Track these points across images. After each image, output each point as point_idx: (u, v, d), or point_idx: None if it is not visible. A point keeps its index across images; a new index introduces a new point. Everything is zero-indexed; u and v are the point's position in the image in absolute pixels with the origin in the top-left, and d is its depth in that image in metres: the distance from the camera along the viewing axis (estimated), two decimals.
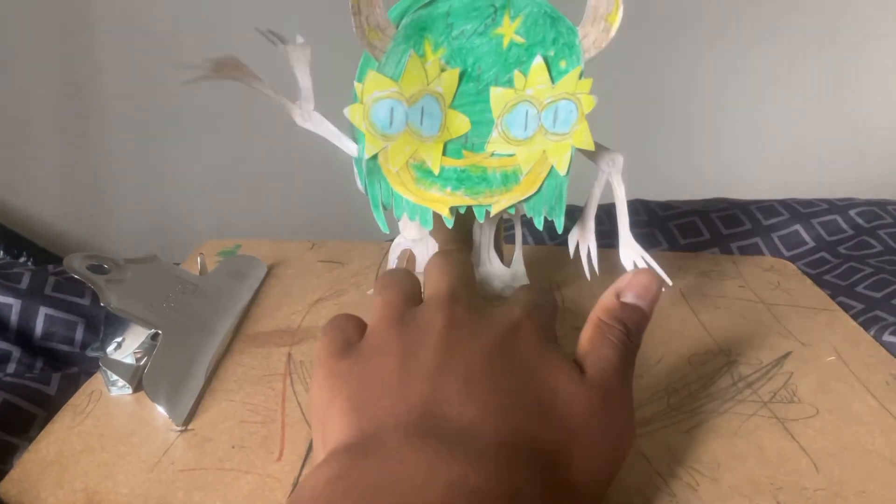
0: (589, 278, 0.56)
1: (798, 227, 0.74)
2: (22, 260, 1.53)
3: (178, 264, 0.62)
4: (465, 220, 0.54)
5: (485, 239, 0.58)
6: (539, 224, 0.53)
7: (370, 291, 0.61)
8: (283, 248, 0.70)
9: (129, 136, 1.58)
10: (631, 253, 0.56)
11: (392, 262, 0.58)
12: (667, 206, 0.77)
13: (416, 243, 0.58)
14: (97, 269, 0.51)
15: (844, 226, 0.74)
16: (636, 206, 0.77)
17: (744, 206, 0.76)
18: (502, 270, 0.59)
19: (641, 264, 0.56)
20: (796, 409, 0.47)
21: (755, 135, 1.59)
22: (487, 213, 0.53)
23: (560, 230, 0.53)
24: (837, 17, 1.49)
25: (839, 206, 0.76)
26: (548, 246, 0.73)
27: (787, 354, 0.54)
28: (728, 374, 0.51)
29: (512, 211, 0.54)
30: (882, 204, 0.77)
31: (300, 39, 0.53)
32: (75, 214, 1.64)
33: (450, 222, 0.52)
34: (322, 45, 0.55)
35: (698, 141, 1.61)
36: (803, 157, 1.60)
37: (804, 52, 1.51)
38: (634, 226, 0.70)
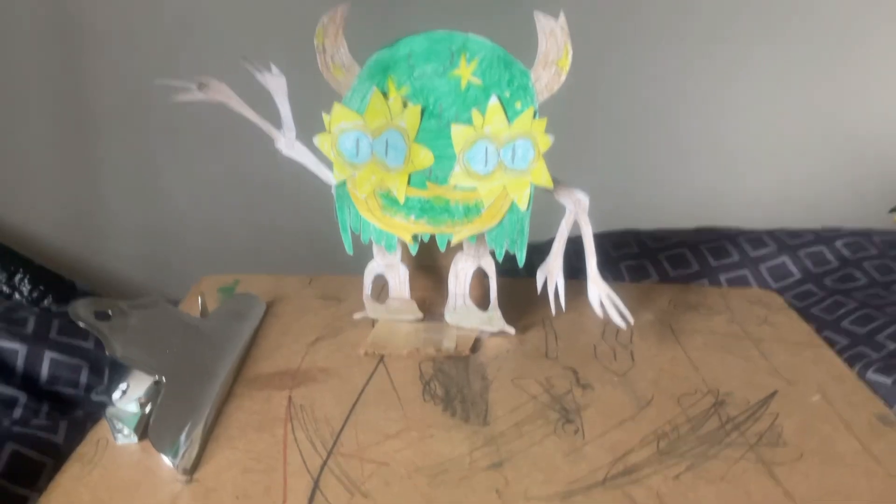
0: (555, 313, 0.59)
1: (785, 258, 0.75)
2: (18, 277, 1.54)
3: (177, 303, 0.64)
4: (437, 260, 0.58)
5: (459, 289, 0.61)
6: (500, 256, 0.57)
7: (357, 315, 0.64)
8: (281, 284, 0.71)
9: (125, 152, 1.58)
10: (597, 291, 0.59)
11: (367, 286, 0.62)
12: (657, 237, 0.78)
13: (388, 268, 0.61)
14: (101, 314, 0.52)
15: (830, 257, 0.76)
16: (627, 239, 0.79)
17: (732, 237, 0.77)
18: (479, 315, 0.62)
19: (607, 302, 0.58)
20: (782, 453, 0.48)
21: (746, 148, 1.61)
22: (449, 242, 0.56)
23: (521, 264, 0.57)
24: (824, 41, 1.51)
25: (825, 237, 0.77)
26: (521, 279, 0.73)
27: (774, 394, 0.55)
28: (716, 415, 0.52)
29: (473, 241, 0.58)
30: (867, 234, 0.78)
31: (275, 70, 0.56)
32: (71, 230, 1.65)
33: (414, 248, 0.57)
34: (311, 74, 0.57)
35: (690, 156, 1.62)
36: (792, 181, 1.62)
37: (795, 70, 1.53)
38: (626, 258, 0.71)
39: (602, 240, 0.74)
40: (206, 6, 1.40)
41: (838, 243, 0.76)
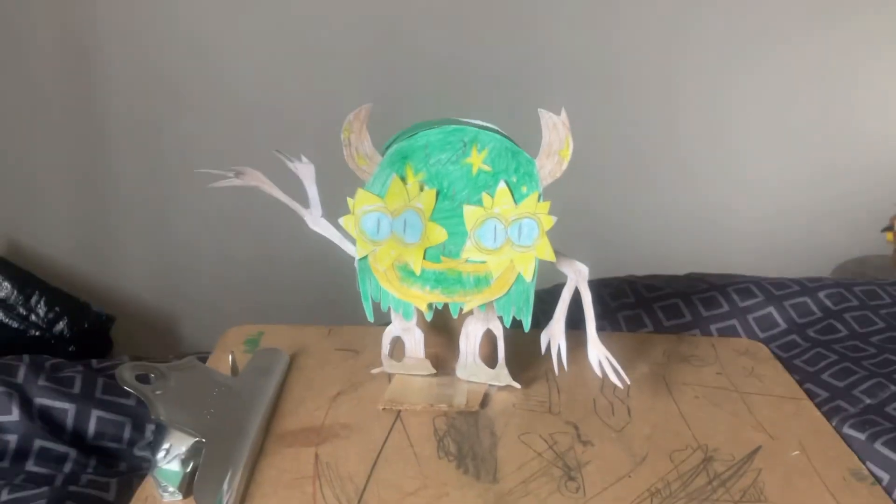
0: (557, 373, 0.65)
1: (771, 308, 0.81)
2: (34, 299, 1.59)
3: (205, 357, 0.69)
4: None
5: (470, 349, 0.67)
6: (507, 322, 0.63)
7: (374, 371, 0.69)
8: (302, 335, 0.76)
9: (138, 178, 1.64)
10: (596, 353, 0.65)
11: (385, 346, 0.68)
12: (651, 287, 0.84)
13: (405, 332, 0.67)
14: (142, 377, 0.57)
15: (814, 307, 0.81)
16: (623, 288, 0.84)
17: (722, 289, 0.83)
18: (487, 372, 0.67)
19: (605, 364, 0.64)
20: None
21: (739, 168, 1.67)
22: (461, 309, 0.63)
23: (527, 329, 0.63)
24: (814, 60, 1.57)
25: (809, 288, 0.83)
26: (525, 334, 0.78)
27: (758, 449, 0.61)
28: (704, 471, 0.58)
29: (483, 309, 0.64)
30: (849, 285, 0.84)
31: (304, 159, 0.63)
32: (85, 253, 1.70)
33: (429, 315, 0.63)
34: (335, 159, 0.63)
35: (686, 189, 1.69)
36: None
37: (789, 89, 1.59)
38: (623, 308, 0.77)
39: (600, 289, 0.79)
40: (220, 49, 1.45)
41: (821, 294, 0.82)
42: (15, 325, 1.57)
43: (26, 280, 1.59)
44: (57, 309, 1.60)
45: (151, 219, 1.68)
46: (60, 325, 1.61)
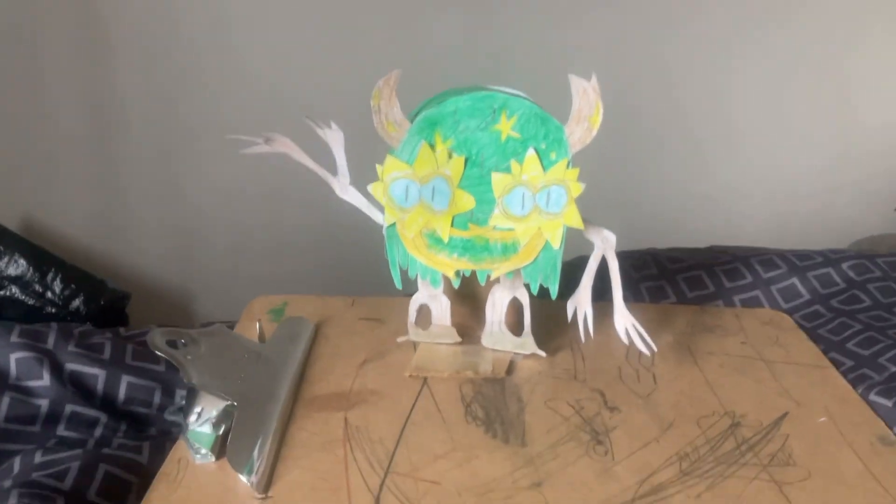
0: (584, 340, 0.65)
1: (795, 279, 0.81)
2: (50, 276, 1.60)
3: (231, 326, 0.69)
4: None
5: (496, 317, 0.67)
6: (534, 290, 0.63)
7: (400, 339, 0.69)
8: (326, 305, 0.77)
9: (151, 154, 1.64)
10: (623, 321, 0.65)
11: (412, 314, 0.69)
12: (674, 258, 0.83)
13: (431, 299, 0.68)
14: (172, 343, 0.57)
15: (837, 278, 0.81)
16: (646, 259, 0.84)
17: (745, 260, 0.83)
18: (513, 340, 0.68)
19: (632, 331, 0.64)
20: (792, 473, 0.54)
21: (756, 144, 1.66)
22: (488, 277, 0.63)
23: (554, 296, 0.63)
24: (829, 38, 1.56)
25: (832, 259, 0.83)
26: (551, 302, 0.79)
27: (785, 415, 0.61)
28: (732, 436, 0.58)
29: (510, 276, 0.64)
30: (871, 257, 0.84)
31: (334, 126, 0.63)
32: (100, 230, 1.71)
33: (457, 283, 0.63)
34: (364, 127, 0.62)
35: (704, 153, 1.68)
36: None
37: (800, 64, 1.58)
38: (646, 279, 0.77)
39: (623, 261, 0.79)
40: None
41: (844, 265, 0.82)
42: (31, 302, 1.57)
43: (42, 257, 1.59)
44: (73, 286, 1.60)
45: (167, 195, 1.68)
46: (76, 303, 1.62)
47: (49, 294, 1.63)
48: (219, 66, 1.54)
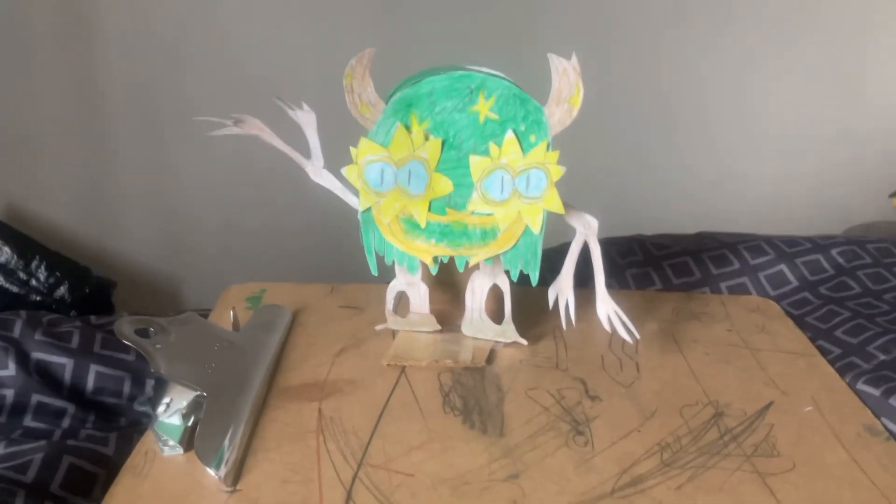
0: (565, 328, 0.63)
1: (783, 266, 0.79)
2: (34, 263, 1.58)
3: (206, 315, 0.67)
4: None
5: (476, 304, 0.65)
6: (514, 276, 0.62)
7: (379, 327, 0.68)
8: (305, 293, 0.75)
9: (138, 141, 1.62)
10: (605, 308, 0.63)
11: (389, 301, 0.67)
12: (660, 245, 0.82)
13: (409, 286, 0.66)
14: (141, 332, 0.56)
15: (826, 265, 0.80)
16: (632, 245, 0.82)
17: (732, 247, 0.81)
18: (494, 328, 0.66)
19: (615, 318, 0.63)
20: (775, 463, 0.53)
21: (749, 130, 1.65)
22: (467, 263, 0.61)
23: (535, 283, 0.61)
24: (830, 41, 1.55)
25: (821, 246, 0.81)
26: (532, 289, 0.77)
27: (769, 405, 0.59)
28: (715, 426, 0.57)
29: (489, 262, 0.62)
30: (861, 243, 0.82)
31: (305, 107, 0.61)
32: (86, 218, 1.69)
33: (434, 269, 0.61)
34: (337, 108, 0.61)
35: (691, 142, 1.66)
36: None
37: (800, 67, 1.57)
38: (631, 266, 0.75)
39: (608, 247, 0.78)
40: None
41: (834, 251, 0.80)
42: (15, 289, 1.56)
43: (26, 244, 1.57)
44: (58, 274, 1.59)
45: (152, 182, 1.66)
46: (61, 290, 1.60)
47: (33, 282, 1.61)
48: (203, 48, 1.52)
